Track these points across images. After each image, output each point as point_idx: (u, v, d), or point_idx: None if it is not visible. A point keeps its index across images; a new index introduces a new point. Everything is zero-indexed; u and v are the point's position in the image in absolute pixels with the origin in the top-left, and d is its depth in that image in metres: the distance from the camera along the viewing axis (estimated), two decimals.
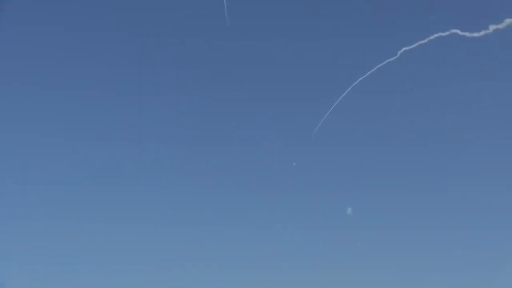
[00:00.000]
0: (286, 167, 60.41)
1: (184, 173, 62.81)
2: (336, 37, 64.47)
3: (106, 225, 59.41)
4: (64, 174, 62.17)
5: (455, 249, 56.17)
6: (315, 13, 64.30)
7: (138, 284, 55.57)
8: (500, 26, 53.44)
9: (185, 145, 63.50)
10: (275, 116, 63.89)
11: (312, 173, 61.22)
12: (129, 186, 61.77)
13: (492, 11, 57.52)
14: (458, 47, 58.23)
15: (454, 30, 55.52)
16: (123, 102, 65.05)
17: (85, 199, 61.04)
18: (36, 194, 61.19)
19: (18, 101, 64.33)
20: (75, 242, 57.99)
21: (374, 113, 62.58)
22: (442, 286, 54.20)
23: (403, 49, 56.35)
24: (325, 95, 61.36)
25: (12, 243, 57.36)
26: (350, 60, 63.22)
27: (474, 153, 60.20)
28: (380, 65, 56.81)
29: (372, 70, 57.00)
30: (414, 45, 56.26)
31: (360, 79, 57.33)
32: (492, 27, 53.84)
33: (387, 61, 56.68)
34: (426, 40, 56.11)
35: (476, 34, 54.70)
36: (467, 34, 55.16)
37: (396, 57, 56.45)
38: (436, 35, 55.90)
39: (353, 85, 57.50)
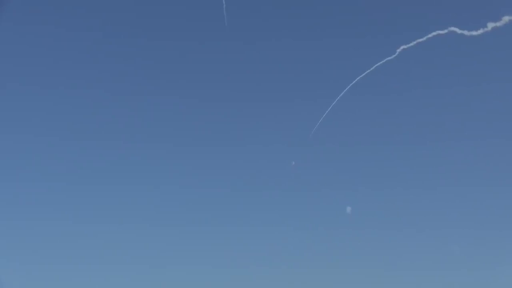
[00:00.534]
0: (284, 167, 60.50)
1: (183, 173, 63.09)
2: (334, 36, 64.60)
3: (106, 224, 59.63)
4: (64, 174, 62.54)
5: (455, 249, 56.18)
6: (313, 13, 64.48)
7: (137, 284, 55.69)
8: (499, 24, 53.35)
9: (184, 145, 63.76)
10: (273, 115, 64.12)
11: (311, 172, 61.27)
12: (129, 186, 62.10)
13: (491, 9, 57.47)
14: (456, 45, 58.22)
15: (452, 28, 55.44)
16: (123, 102, 65.37)
17: (84, 199, 61.41)
18: (36, 194, 61.59)
19: (18, 101, 64.73)
20: (75, 242, 58.28)
21: (373, 112, 62.63)
22: (442, 285, 54.13)
23: (402, 47, 56.32)
24: (323, 95, 61.51)
25: (12, 243, 57.85)
26: (348, 59, 63.43)
27: (473, 152, 60.19)
28: (378, 64, 56.85)
29: (371, 68, 57.04)
30: (412, 43, 56.23)
31: (358, 78, 57.35)
32: (490, 25, 53.76)
33: (386, 59, 56.70)
34: (424, 39, 56.05)
35: (474, 33, 54.60)
36: (465, 32, 55.07)
37: (394, 55, 56.45)
38: (434, 33, 55.83)
39: (351, 84, 57.51)
